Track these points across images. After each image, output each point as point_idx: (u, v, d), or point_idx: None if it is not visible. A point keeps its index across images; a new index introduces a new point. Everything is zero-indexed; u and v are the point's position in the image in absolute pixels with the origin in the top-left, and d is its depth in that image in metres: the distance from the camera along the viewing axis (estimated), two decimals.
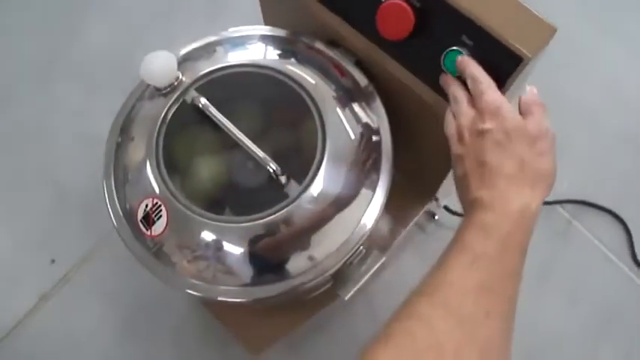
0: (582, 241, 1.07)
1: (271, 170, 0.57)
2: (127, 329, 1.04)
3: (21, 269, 1.10)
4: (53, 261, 1.10)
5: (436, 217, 1.03)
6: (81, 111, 1.21)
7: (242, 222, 0.57)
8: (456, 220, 1.04)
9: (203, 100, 0.60)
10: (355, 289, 0.65)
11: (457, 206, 1.02)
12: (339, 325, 1.01)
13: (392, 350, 0.43)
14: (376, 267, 0.66)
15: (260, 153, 0.58)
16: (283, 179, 0.58)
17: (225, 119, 0.59)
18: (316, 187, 0.58)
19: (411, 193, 0.83)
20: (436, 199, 0.96)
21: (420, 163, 0.75)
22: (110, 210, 0.63)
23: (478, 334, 0.45)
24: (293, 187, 0.58)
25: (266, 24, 0.75)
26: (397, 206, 0.68)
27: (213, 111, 0.60)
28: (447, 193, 0.99)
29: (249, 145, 0.58)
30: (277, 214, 0.57)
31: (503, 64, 0.56)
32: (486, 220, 0.49)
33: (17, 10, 1.34)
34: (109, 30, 1.30)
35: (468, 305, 0.46)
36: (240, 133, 0.59)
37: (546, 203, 1.04)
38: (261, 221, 0.57)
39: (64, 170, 1.16)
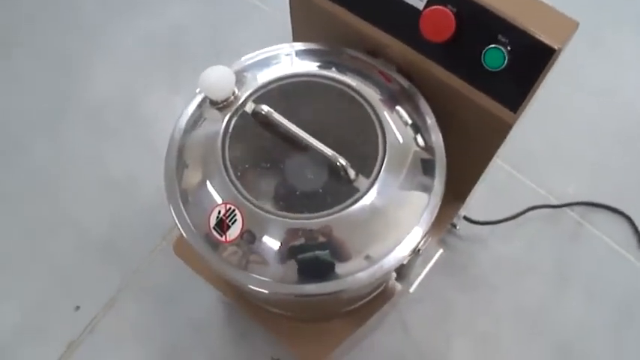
0: (593, 240, 1.11)
1: (340, 165, 0.58)
2: None
3: (45, 318, 1.06)
4: (78, 307, 1.07)
5: (457, 228, 1.05)
6: (94, 156, 1.21)
7: (319, 217, 0.58)
8: (477, 229, 1.07)
9: (265, 108, 0.62)
10: (418, 281, 0.66)
11: (476, 215, 1.05)
12: (373, 340, 1.00)
13: None
14: (435, 258, 0.67)
15: (328, 150, 0.59)
16: (352, 174, 0.59)
17: (289, 123, 0.61)
18: (382, 182, 0.60)
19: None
20: None
21: (455, 165, 0.77)
22: (178, 223, 0.62)
23: None
24: (362, 181, 0.60)
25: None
26: None
27: (277, 116, 0.61)
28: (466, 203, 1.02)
29: (316, 144, 0.59)
30: (353, 207, 0.58)
31: (537, 57, 0.60)
32: None
33: (22, 60, 1.34)
34: (115, 75, 1.31)
35: None
36: (306, 134, 0.60)
37: (555, 207, 1.08)
38: (337, 215, 0.58)
39: (82, 215, 1.15)
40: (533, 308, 1.05)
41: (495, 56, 0.62)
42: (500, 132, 0.67)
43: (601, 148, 1.19)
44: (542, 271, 1.07)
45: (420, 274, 0.66)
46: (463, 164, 0.74)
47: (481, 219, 1.06)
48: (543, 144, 1.19)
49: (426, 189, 0.63)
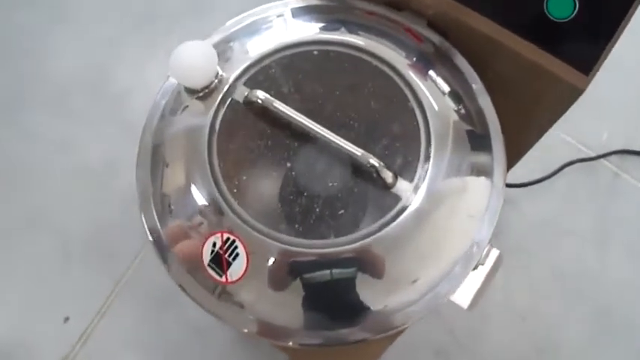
0: (631, 191, 0.95)
1: (372, 167, 0.41)
2: None
3: (33, 333, 0.90)
4: (67, 318, 0.90)
5: None
6: (64, 142, 1.01)
7: (351, 242, 0.40)
8: (508, 191, 0.90)
9: (262, 95, 0.43)
10: (474, 293, 0.50)
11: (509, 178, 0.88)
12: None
13: None
14: (492, 264, 0.50)
15: (354, 148, 0.41)
16: (389, 177, 0.41)
17: (295, 113, 0.42)
18: (430, 183, 0.42)
19: None
20: None
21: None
22: (158, 253, 0.45)
23: None
24: (402, 185, 0.42)
25: None
26: None
27: (278, 105, 0.43)
28: None
29: (336, 141, 0.42)
30: (395, 223, 0.41)
31: (616, 1, 0.44)
32: None
33: None
34: (78, 48, 1.09)
35: None
36: (319, 126, 0.42)
37: (591, 159, 0.92)
38: (375, 237, 0.41)
39: (58, 212, 0.96)
40: (573, 274, 0.90)
41: (562, 3, 0.45)
42: (566, 99, 0.50)
43: (633, 90, 1.01)
44: (581, 232, 0.92)
45: (475, 285, 0.49)
46: (512, 135, 0.57)
47: (512, 180, 0.89)
48: None
49: (485, 180, 0.46)
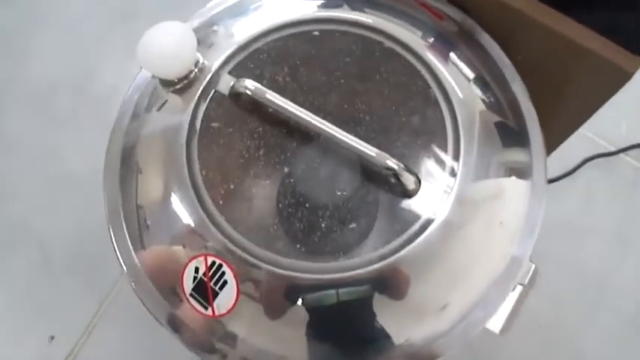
0: None
1: (391, 169, 0.32)
2: None
3: (17, 354, 0.81)
4: (52, 338, 0.82)
5: None
6: (46, 148, 0.92)
7: (367, 264, 0.31)
8: None
9: (251, 84, 0.34)
10: (507, 315, 0.41)
11: None
12: None
13: None
14: (528, 279, 0.41)
15: (368, 148, 0.32)
16: (411, 181, 0.32)
17: (294, 106, 0.34)
18: (460, 188, 0.33)
19: None
20: None
21: None
22: (131, 280, 0.36)
23: None
24: (427, 193, 0.33)
25: None
26: None
27: (272, 97, 0.34)
28: None
29: (346, 139, 0.33)
30: (420, 239, 0.32)
31: None
32: None
33: None
34: (60, 48, 1.00)
35: None
36: (324, 122, 0.33)
37: (611, 154, 0.83)
38: (395, 257, 0.32)
39: (41, 223, 0.88)
40: (597, 278, 0.81)
41: None
42: (611, 84, 0.41)
43: None
44: (603, 232, 0.83)
45: (509, 306, 0.40)
46: (543, 127, 0.48)
47: None
48: None
49: (522, 182, 0.37)
